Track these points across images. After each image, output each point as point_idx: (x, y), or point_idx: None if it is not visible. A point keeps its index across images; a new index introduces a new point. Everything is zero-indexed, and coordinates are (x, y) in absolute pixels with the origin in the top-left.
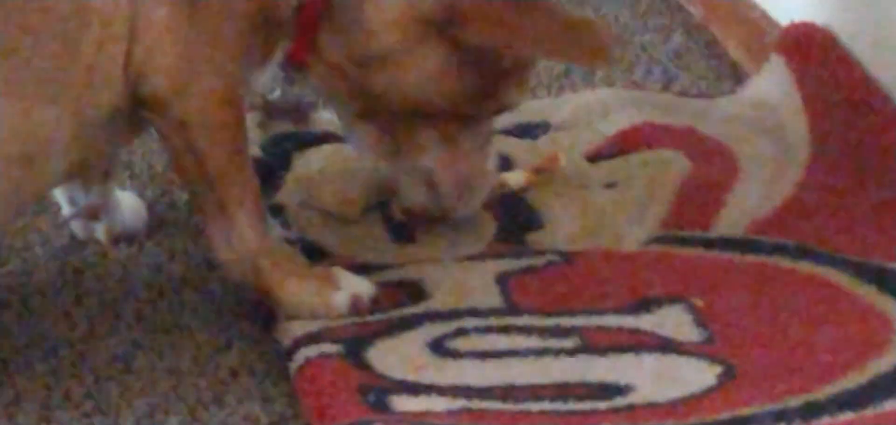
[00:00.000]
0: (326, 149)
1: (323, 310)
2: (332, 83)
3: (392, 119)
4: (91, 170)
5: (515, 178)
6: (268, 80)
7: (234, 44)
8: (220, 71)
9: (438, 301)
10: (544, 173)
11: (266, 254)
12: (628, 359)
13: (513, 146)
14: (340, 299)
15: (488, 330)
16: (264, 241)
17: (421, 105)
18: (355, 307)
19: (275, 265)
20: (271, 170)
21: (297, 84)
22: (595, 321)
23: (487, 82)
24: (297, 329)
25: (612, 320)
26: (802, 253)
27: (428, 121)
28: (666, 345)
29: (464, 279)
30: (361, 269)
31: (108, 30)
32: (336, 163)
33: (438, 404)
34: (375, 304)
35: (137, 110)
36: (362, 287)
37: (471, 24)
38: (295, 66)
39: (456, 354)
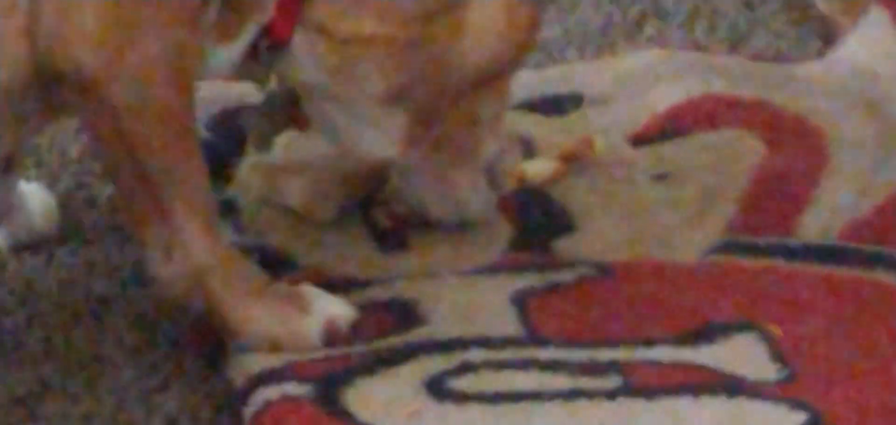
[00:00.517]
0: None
1: (289, 340)
2: (349, 60)
3: (436, 94)
4: None
5: (538, 168)
6: (229, 65)
7: (175, 5)
8: (163, 37)
9: (437, 327)
10: (576, 161)
11: (216, 270)
12: (684, 404)
13: (535, 124)
14: (311, 326)
15: (502, 365)
16: (215, 254)
17: (480, 63)
18: (330, 336)
19: (227, 284)
20: (220, 157)
21: (263, 71)
22: (641, 354)
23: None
24: (254, 364)
25: (663, 353)
26: None
27: (480, 94)
28: (733, 386)
29: (470, 299)
30: (339, 286)
31: None
32: (304, 148)
33: None
34: (356, 332)
35: (49, 87)
36: (339, 310)
37: None
38: (273, 45)
39: (460, 397)
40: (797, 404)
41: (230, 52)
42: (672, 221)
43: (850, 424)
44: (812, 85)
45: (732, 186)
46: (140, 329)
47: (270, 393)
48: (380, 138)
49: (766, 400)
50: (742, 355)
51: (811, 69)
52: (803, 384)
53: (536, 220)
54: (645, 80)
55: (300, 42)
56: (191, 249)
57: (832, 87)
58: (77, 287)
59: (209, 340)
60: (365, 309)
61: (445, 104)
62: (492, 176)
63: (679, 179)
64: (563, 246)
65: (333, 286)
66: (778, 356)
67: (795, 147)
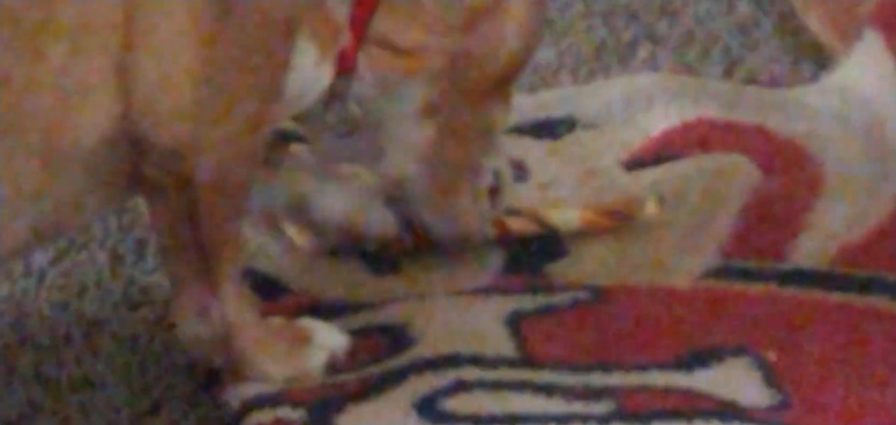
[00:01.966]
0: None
1: (296, 376)
2: (399, 73)
3: (463, 102)
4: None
5: (566, 218)
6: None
7: (271, 66)
8: (247, 110)
9: (428, 346)
10: (625, 221)
11: (247, 330)
12: None
13: (527, 148)
14: (316, 361)
15: (496, 385)
16: (245, 316)
17: (513, 62)
18: (332, 368)
19: (248, 338)
20: None
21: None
22: (635, 379)
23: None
24: (249, 388)
25: (657, 378)
26: None
27: (492, 99)
28: (727, 412)
29: (463, 320)
30: (330, 311)
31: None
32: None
33: None
34: (351, 359)
35: (131, 158)
36: (337, 340)
37: None
38: (344, 70)
39: (453, 418)
40: None
41: (328, 75)
42: (666, 245)
43: None
44: (806, 109)
45: (726, 210)
46: (131, 352)
47: (264, 417)
48: (403, 156)
49: None
50: (736, 380)
51: (805, 93)
52: (797, 409)
53: (529, 244)
54: (638, 103)
55: (363, 62)
56: (226, 313)
57: (826, 111)
58: (68, 309)
59: (200, 364)
60: (357, 334)
61: (472, 113)
62: (493, 192)
63: (673, 203)
64: (556, 269)
65: (325, 311)
66: (772, 381)
67: (789, 171)
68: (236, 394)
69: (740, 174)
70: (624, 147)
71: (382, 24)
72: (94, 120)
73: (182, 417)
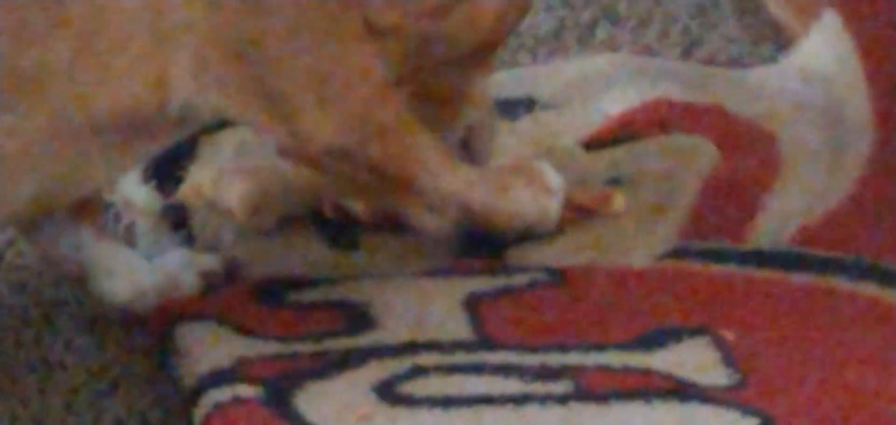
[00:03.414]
0: (244, 131)
1: (540, 216)
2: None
3: (434, 75)
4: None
5: None
6: None
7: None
8: (362, 73)
9: (388, 331)
10: (589, 216)
11: (480, 190)
12: (636, 409)
13: None
14: (555, 204)
15: (453, 369)
16: (469, 180)
17: (482, 37)
18: (564, 211)
19: (487, 194)
20: (171, 160)
21: None
22: (593, 359)
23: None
24: (203, 365)
25: (615, 358)
26: (864, 271)
27: (474, 72)
28: (685, 391)
29: (422, 302)
30: (286, 286)
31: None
32: (254, 153)
33: None
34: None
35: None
36: (560, 184)
37: None
38: None
39: (411, 401)
40: (749, 410)
41: None
42: (624, 226)
43: None
44: (765, 90)
45: (685, 191)
46: (89, 332)
47: (220, 394)
48: None
49: (717, 406)
50: (694, 360)
51: (764, 74)
52: (755, 389)
53: None
54: (597, 84)
55: None
56: (449, 191)
57: (785, 92)
58: (26, 289)
59: (158, 341)
60: (315, 307)
61: (440, 84)
62: (471, 146)
63: (631, 184)
64: (516, 251)
65: (279, 286)
66: (730, 361)
67: (748, 152)
68: (191, 372)
69: (699, 155)
70: (583, 127)
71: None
72: (118, 96)
73: (140, 397)
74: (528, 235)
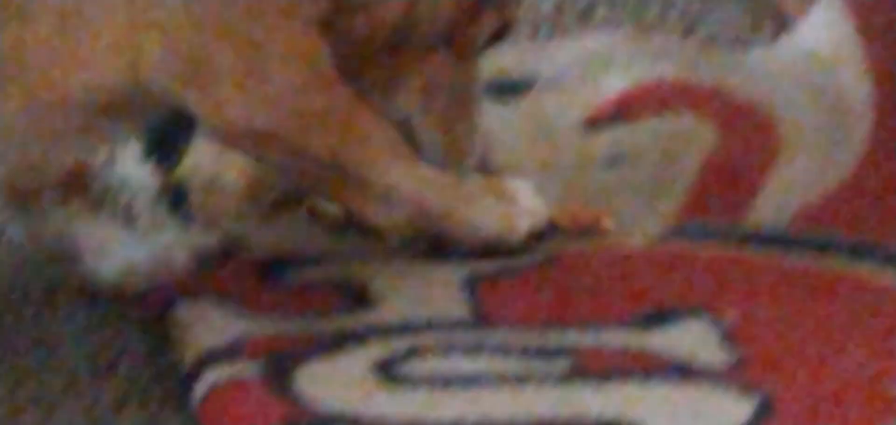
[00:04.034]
0: None
1: (504, 232)
2: None
3: (369, 68)
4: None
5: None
6: None
7: (292, 15)
8: (289, 55)
9: (388, 311)
10: (580, 233)
11: (429, 190)
12: (634, 389)
13: (485, 108)
14: (523, 223)
15: (451, 349)
16: (423, 178)
17: (405, 33)
18: (534, 234)
19: (443, 196)
20: (170, 136)
21: None
22: (591, 338)
23: None
24: (203, 342)
25: (613, 337)
26: (863, 252)
27: (409, 63)
28: (684, 371)
29: (421, 283)
30: (285, 265)
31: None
32: None
33: None
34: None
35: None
36: (538, 210)
37: None
38: None
39: (409, 381)
40: (747, 389)
41: None
42: (623, 206)
43: (800, 410)
44: (764, 71)
45: (684, 172)
46: (89, 308)
47: (219, 373)
48: None
49: (716, 385)
50: (693, 340)
51: (763, 55)
52: (753, 369)
53: None
54: (597, 64)
55: None
56: (403, 189)
57: (784, 72)
58: (26, 267)
59: (158, 318)
60: (315, 286)
61: (379, 75)
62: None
63: (631, 164)
64: None
65: (279, 266)
66: (728, 341)
67: (747, 133)
68: (190, 350)
69: (698, 136)
70: (582, 107)
71: None
72: (93, 78)
73: (139, 375)
74: (491, 252)
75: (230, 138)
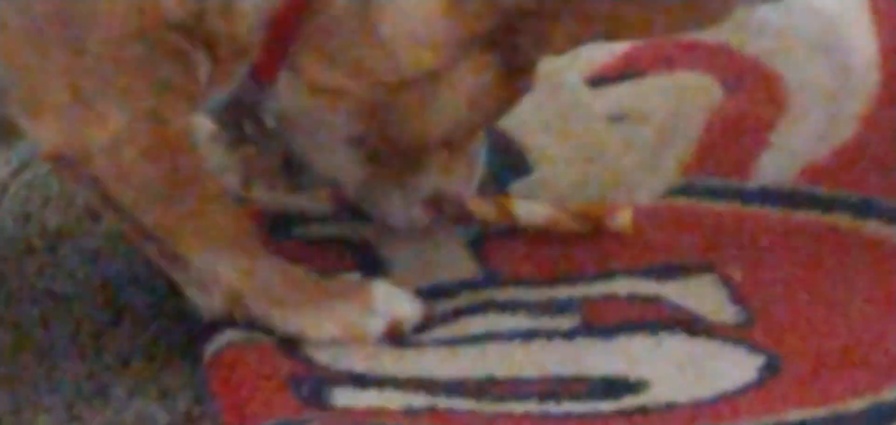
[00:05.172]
0: None
1: (350, 339)
2: (320, 105)
3: (392, 143)
4: None
5: (530, 211)
6: (221, 106)
7: (141, 73)
8: (132, 109)
9: (396, 274)
10: (591, 224)
11: (256, 292)
12: (642, 343)
13: None
14: (374, 327)
15: (459, 313)
16: (252, 277)
17: (444, 129)
18: (394, 336)
19: (272, 301)
20: None
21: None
22: (599, 288)
23: (514, 94)
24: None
25: (622, 285)
26: (869, 209)
27: (438, 144)
28: (692, 327)
29: (428, 245)
30: (290, 224)
31: None
32: None
33: (394, 400)
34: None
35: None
36: (406, 310)
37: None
38: (259, 84)
39: (416, 341)
40: (755, 347)
41: (221, 95)
42: (629, 163)
43: (807, 367)
44: (770, 27)
45: (689, 129)
46: (93, 263)
47: (234, 334)
48: (338, 168)
49: (725, 342)
50: (701, 296)
51: (769, 12)
52: (762, 327)
53: (494, 162)
54: None
55: (284, 81)
56: (223, 280)
57: (790, 30)
58: (30, 221)
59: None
60: (325, 243)
61: (400, 151)
62: (439, 202)
63: (636, 121)
64: (521, 187)
65: (290, 221)
66: (737, 299)
67: (753, 90)
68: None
69: (703, 93)
70: (588, 64)
71: (303, 57)
72: None
73: (143, 329)
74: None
75: (47, 159)
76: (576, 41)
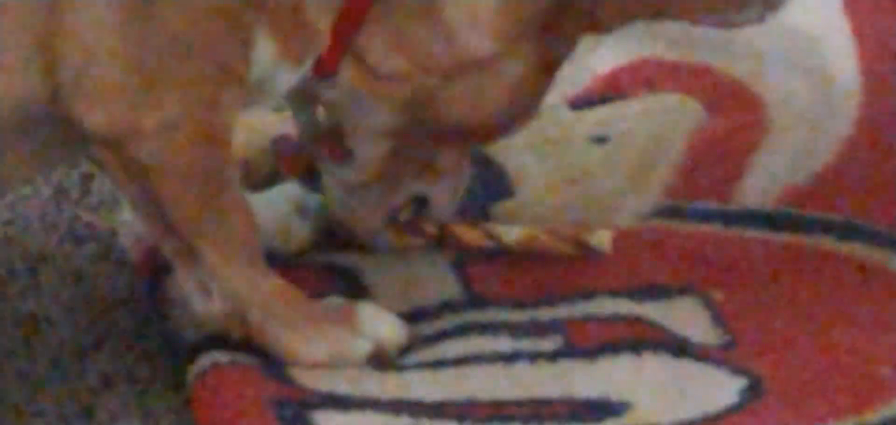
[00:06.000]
0: None
1: (336, 361)
2: (378, 94)
3: (425, 135)
4: None
5: (516, 235)
6: (289, 87)
7: (211, 54)
8: (188, 95)
9: (380, 298)
10: (572, 245)
11: (259, 306)
12: (625, 364)
13: None
14: (359, 349)
15: (441, 335)
16: (257, 290)
17: (483, 122)
18: (379, 359)
19: (270, 316)
20: None
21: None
22: (582, 309)
23: (544, 89)
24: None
25: (606, 305)
26: (851, 232)
27: (462, 138)
28: (675, 348)
29: (412, 269)
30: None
31: None
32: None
33: (377, 422)
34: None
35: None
36: (391, 333)
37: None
38: (322, 75)
39: (401, 368)
40: (737, 369)
41: (292, 77)
42: (611, 185)
43: (789, 389)
44: (752, 50)
45: (671, 151)
46: (75, 286)
47: (220, 356)
48: (358, 166)
49: (707, 363)
50: (684, 318)
51: (751, 34)
52: (744, 349)
53: (476, 184)
54: (585, 42)
55: (344, 71)
56: (229, 288)
57: (773, 52)
58: (13, 244)
59: (147, 295)
60: (308, 268)
61: (425, 144)
62: (420, 224)
63: (618, 143)
64: (502, 209)
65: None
66: (719, 321)
67: (735, 112)
68: (192, 326)
69: (685, 115)
70: (570, 85)
71: (366, 42)
72: (12, 94)
73: (126, 352)
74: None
75: (96, 140)
76: (625, 17)
